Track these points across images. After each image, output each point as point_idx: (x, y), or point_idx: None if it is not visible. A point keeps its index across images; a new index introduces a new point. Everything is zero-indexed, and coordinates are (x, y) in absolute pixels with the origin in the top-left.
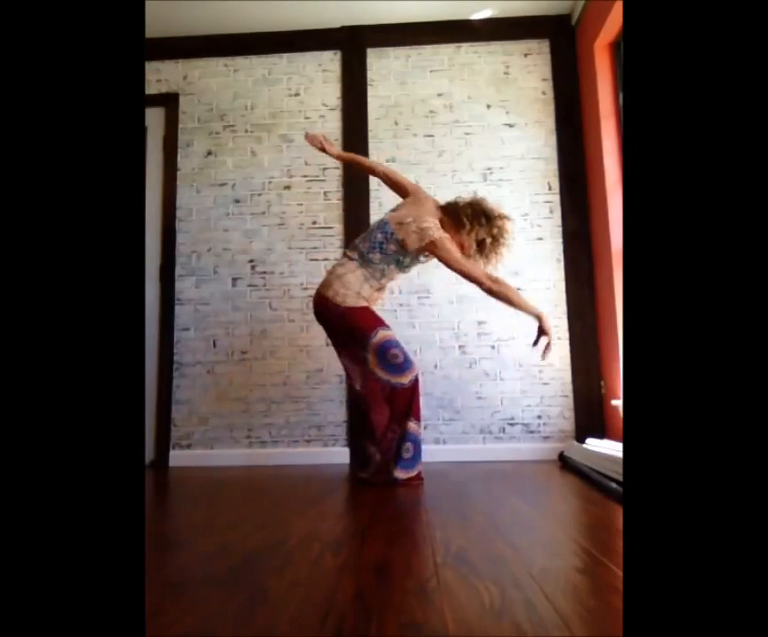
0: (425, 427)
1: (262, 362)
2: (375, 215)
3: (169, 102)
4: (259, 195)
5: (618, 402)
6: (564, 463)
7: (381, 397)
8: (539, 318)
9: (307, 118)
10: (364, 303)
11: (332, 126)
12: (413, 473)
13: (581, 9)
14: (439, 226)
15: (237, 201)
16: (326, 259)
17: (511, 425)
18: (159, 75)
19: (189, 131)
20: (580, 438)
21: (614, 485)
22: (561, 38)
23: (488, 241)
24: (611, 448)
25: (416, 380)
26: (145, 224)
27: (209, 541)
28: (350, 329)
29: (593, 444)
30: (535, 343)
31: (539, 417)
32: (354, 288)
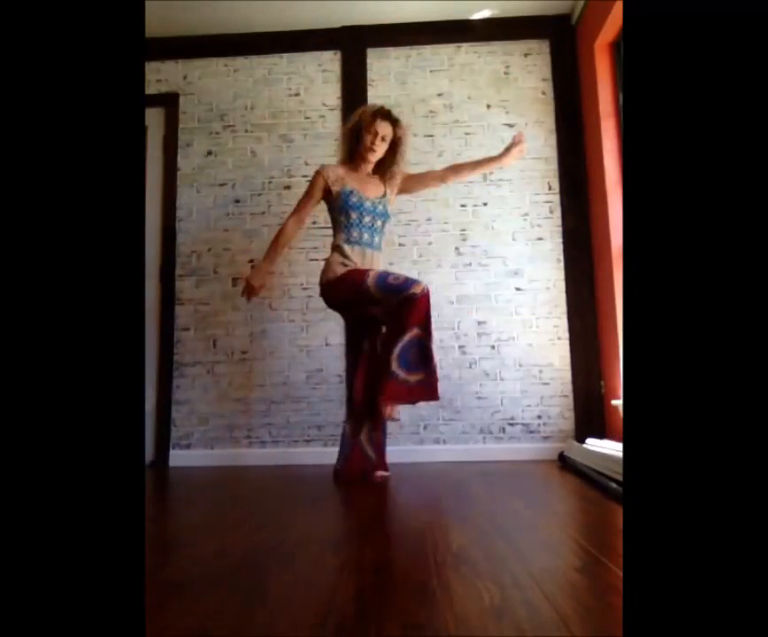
0: (425, 427)
1: (262, 362)
2: None
3: (169, 102)
4: (259, 195)
5: (618, 402)
6: (564, 463)
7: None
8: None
9: (307, 118)
10: (350, 268)
11: (332, 127)
12: (412, 377)
13: (581, 9)
14: (333, 167)
15: (237, 201)
16: (325, 260)
17: (511, 425)
18: (159, 75)
19: (189, 131)
20: (580, 438)
21: (614, 485)
22: (561, 38)
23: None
24: (611, 448)
25: (428, 293)
26: (145, 224)
27: (209, 541)
28: (346, 291)
29: (593, 444)
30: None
31: (539, 417)
32: (332, 263)
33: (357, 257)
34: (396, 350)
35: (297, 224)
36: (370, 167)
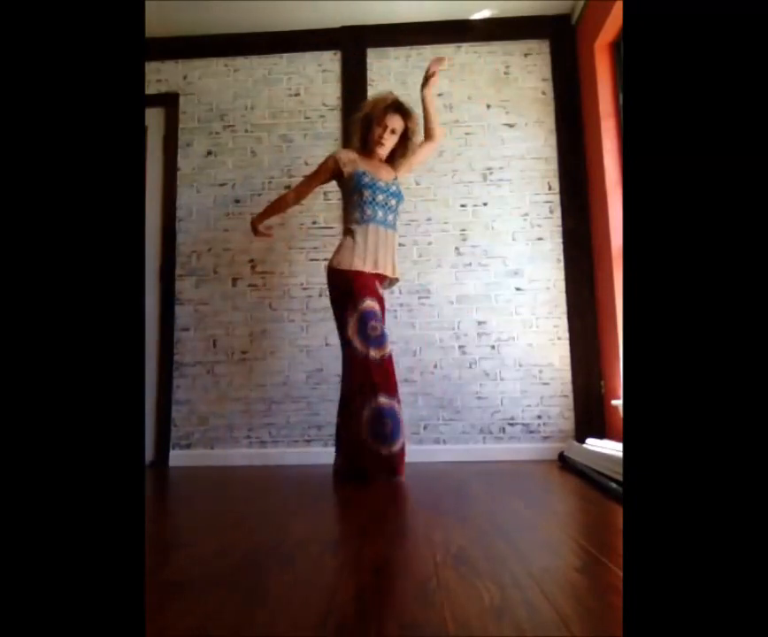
0: (425, 427)
1: (262, 362)
2: None
3: (169, 102)
4: (259, 195)
5: (618, 402)
6: (564, 463)
7: (353, 367)
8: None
9: (307, 118)
10: (360, 268)
11: (332, 127)
12: (396, 448)
13: (581, 9)
14: (346, 151)
15: (237, 201)
16: (325, 259)
17: (511, 425)
18: (159, 75)
19: (189, 131)
20: (580, 438)
21: (614, 485)
22: (561, 38)
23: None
24: (611, 448)
25: (389, 357)
26: (145, 224)
27: (209, 540)
28: (341, 294)
29: (593, 444)
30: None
31: (539, 417)
32: (344, 248)
33: (371, 237)
34: (365, 415)
35: (297, 197)
36: (381, 157)
